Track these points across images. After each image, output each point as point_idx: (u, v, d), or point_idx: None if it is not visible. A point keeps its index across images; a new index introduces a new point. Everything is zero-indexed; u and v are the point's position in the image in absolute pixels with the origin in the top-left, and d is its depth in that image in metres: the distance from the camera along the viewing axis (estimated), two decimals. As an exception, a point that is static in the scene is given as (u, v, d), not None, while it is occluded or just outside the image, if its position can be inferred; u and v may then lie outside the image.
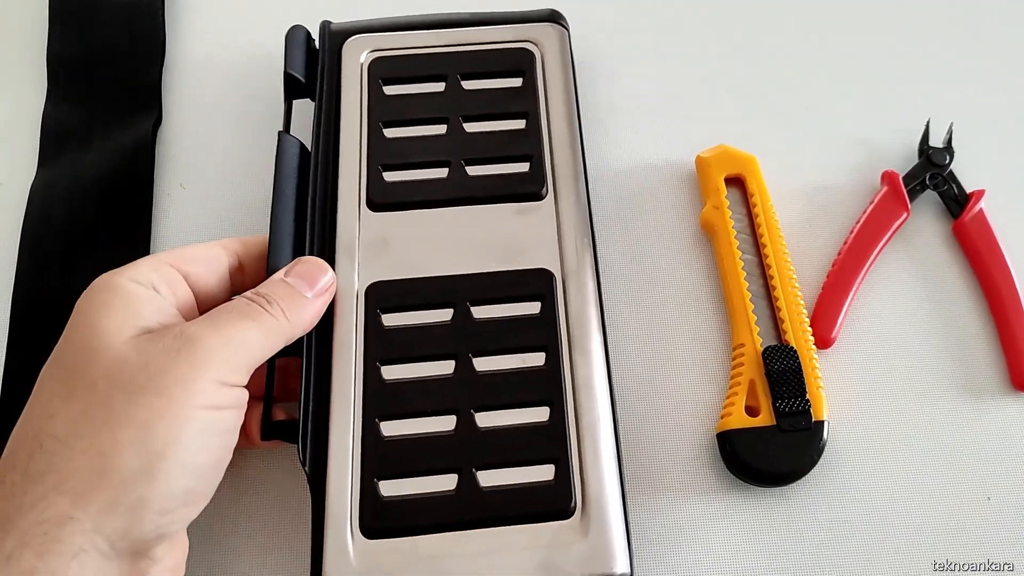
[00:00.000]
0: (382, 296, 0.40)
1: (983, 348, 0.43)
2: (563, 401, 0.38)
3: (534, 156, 0.44)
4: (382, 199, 0.42)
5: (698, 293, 0.44)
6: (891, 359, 0.43)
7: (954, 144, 0.47)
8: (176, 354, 0.31)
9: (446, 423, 0.37)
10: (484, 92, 0.46)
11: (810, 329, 0.42)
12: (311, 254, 0.40)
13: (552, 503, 0.36)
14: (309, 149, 0.44)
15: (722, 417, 0.40)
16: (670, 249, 0.46)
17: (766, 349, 0.41)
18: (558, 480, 0.36)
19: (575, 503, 0.36)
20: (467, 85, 0.46)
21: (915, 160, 0.47)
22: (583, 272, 0.41)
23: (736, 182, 0.46)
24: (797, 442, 0.39)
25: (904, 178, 0.46)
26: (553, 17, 0.48)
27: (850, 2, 0.53)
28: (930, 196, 0.46)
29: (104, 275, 0.34)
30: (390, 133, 0.45)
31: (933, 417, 0.41)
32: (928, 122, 0.47)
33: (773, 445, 0.39)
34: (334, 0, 0.51)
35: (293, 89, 0.46)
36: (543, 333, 0.39)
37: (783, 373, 0.40)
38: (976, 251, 0.44)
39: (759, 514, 0.40)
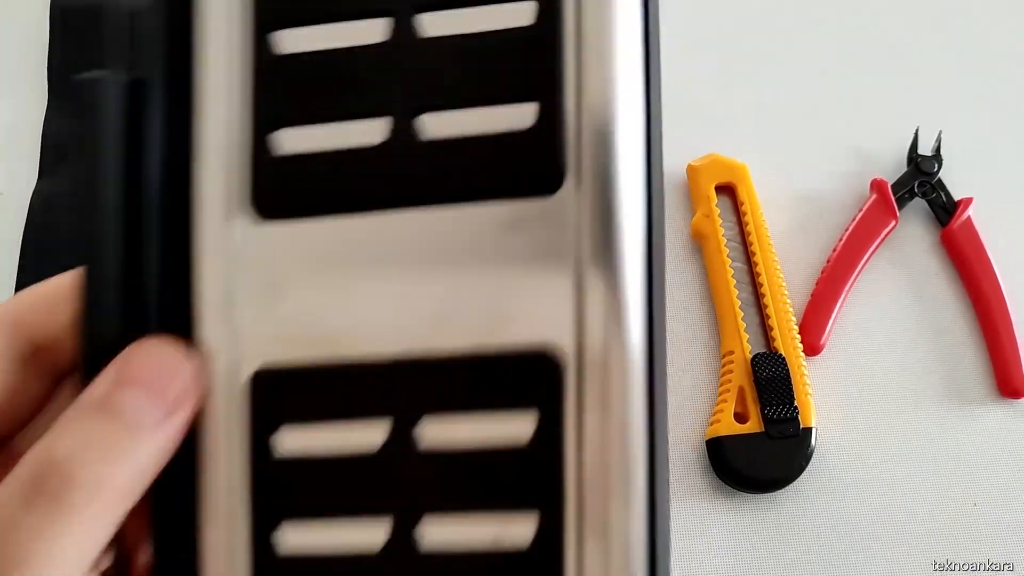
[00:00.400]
0: (278, 396, 0.23)
1: (970, 355, 0.43)
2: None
3: (545, 92, 0.22)
4: (279, 195, 0.23)
5: (688, 300, 0.45)
6: (879, 366, 0.43)
7: (942, 152, 0.47)
8: None
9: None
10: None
11: (799, 336, 0.42)
12: (151, 321, 0.23)
13: None
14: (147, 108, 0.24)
15: (711, 424, 0.41)
16: (661, 257, 0.46)
17: (755, 356, 0.41)
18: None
19: None
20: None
21: (904, 168, 0.47)
22: (622, 357, 0.22)
23: (726, 190, 0.46)
24: (785, 449, 0.40)
25: (892, 186, 0.46)
26: None
27: (840, 11, 0.53)
28: (918, 204, 0.47)
29: None
30: (287, 45, 0.24)
31: (921, 423, 0.42)
32: (917, 130, 0.48)
33: (762, 452, 0.40)
34: None
35: None
36: (533, 483, 0.22)
37: (772, 380, 0.40)
38: (964, 259, 0.45)
39: (748, 520, 0.40)
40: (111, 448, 0.21)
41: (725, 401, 0.41)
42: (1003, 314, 0.43)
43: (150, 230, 0.23)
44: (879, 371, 0.43)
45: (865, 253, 0.45)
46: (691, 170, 0.47)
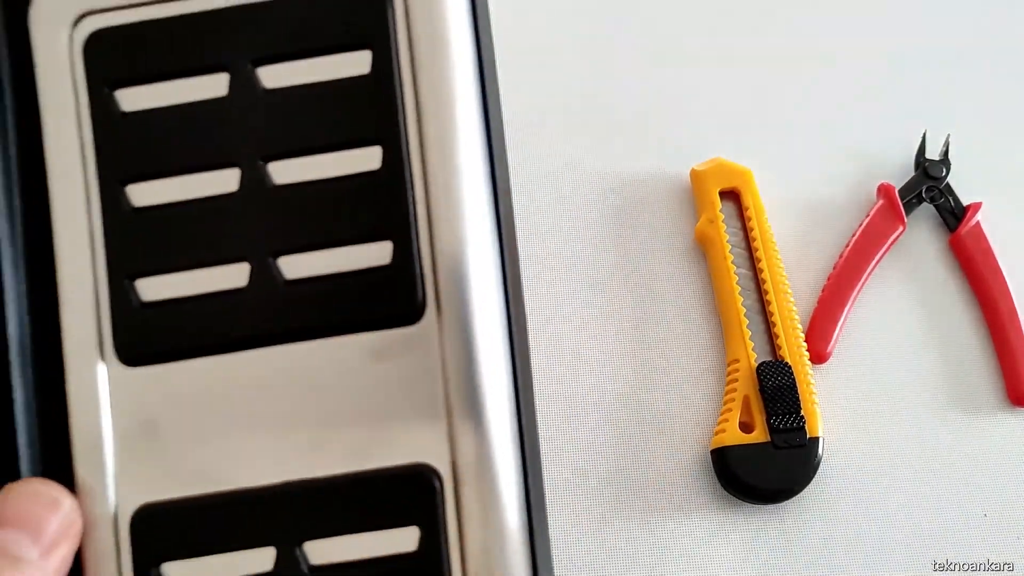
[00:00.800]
0: (160, 534, 0.23)
1: (980, 363, 0.43)
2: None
3: (397, 229, 0.24)
4: (141, 343, 0.24)
5: (692, 308, 0.44)
6: (887, 374, 0.42)
7: (951, 156, 0.47)
8: None
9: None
10: (300, 92, 0.24)
11: (805, 344, 0.41)
12: (24, 466, 0.24)
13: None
14: None
15: (716, 433, 0.40)
16: (664, 263, 0.45)
17: (760, 365, 0.40)
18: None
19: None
20: (268, 78, 0.24)
21: (911, 173, 0.47)
22: (491, 468, 0.23)
23: (731, 195, 0.46)
24: (792, 459, 0.39)
25: (900, 191, 0.46)
26: None
27: (846, 14, 0.53)
28: (926, 209, 0.46)
29: None
30: (138, 197, 0.24)
31: (929, 433, 0.41)
32: (924, 134, 0.47)
33: (768, 462, 0.39)
34: None
35: None
36: None
37: (778, 389, 0.40)
38: (973, 264, 0.44)
39: (753, 531, 0.39)
40: None
41: (730, 410, 0.40)
42: (1013, 321, 0.43)
43: (19, 376, 0.24)
44: (887, 379, 0.42)
45: (872, 259, 0.44)
46: (695, 175, 0.46)
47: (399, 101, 0.24)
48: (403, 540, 0.23)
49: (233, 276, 0.24)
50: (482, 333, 0.24)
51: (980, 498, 0.40)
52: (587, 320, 0.44)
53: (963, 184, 0.46)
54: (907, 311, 0.44)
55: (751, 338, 0.42)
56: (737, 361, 0.41)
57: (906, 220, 0.45)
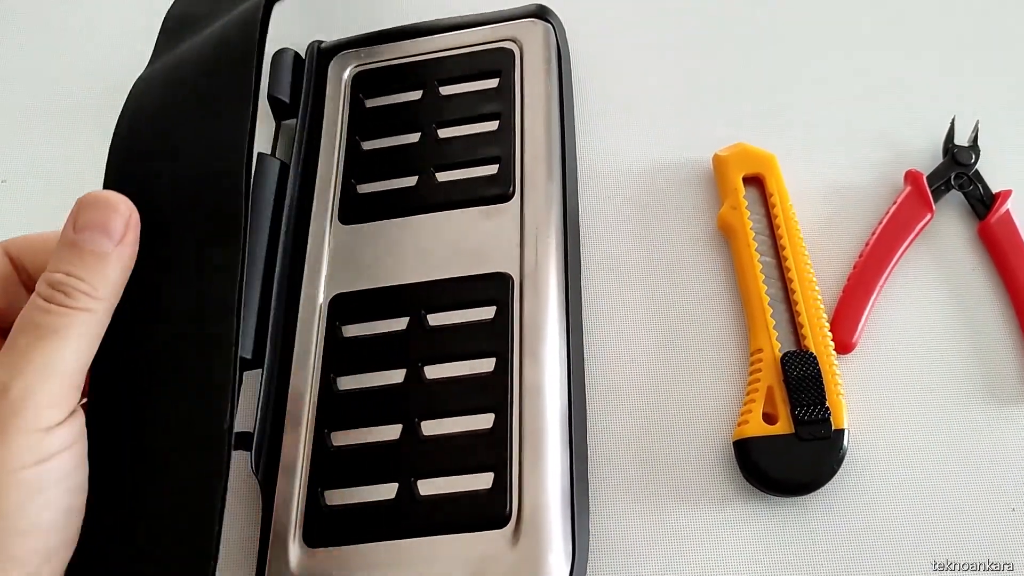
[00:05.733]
0: (343, 308, 0.40)
1: (1008, 353, 0.42)
2: (508, 408, 0.37)
3: (503, 158, 0.43)
4: (352, 211, 0.42)
5: (715, 296, 0.43)
6: (913, 365, 0.41)
7: (980, 143, 0.45)
8: None
9: (392, 432, 0.37)
10: (459, 96, 0.45)
11: (830, 334, 0.40)
12: (282, 272, 0.40)
13: (487, 511, 0.35)
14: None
15: (739, 425, 0.39)
16: (686, 250, 0.45)
17: (785, 355, 0.40)
18: (495, 488, 0.35)
19: (510, 511, 0.35)
20: (444, 90, 0.45)
21: (939, 159, 0.46)
22: (544, 274, 0.40)
23: (754, 181, 0.45)
24: (816, 451, 0.38)
25: (928, 178, 0.44)
26: (539, 13, 0.47)
27: (873, -5, 0.51)
28: (955, 196, 0.45)
29: None
30: (367, 145, 0.44)
31: (957, 425, 0.40)
32: (953, 120, 0.46)
33: (791, 454, 0.38)
34: (339, 21, 0.52)
35: (281, 111, 0.47)
36: (495, 339, 0.38)
37: (802, 380, 0.39)
38: (1002, 253, 0.43)
39: (776, 524, 0.39)
40: (87, 269, 0.29)
41: (754, 401, 0.39)
42: (1043, 311, 0.42)
43: (287, 233, 0.42)
44: (913, 370, 0.41)
45: (899, 247, 0.43)
46: (717, 160, 0.45)
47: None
48: (486, 312, 0.39)
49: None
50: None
51: (1009, 492, 0.39)
52: (607, 309, 0.44)
53: (993, 171, 0.45)
54: (934, 301, 0.43)
55: (775, 327, 0.41)
56: (760, 351, 0.40)
57: (934, 208, 0.44)
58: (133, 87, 0.39)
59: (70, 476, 0.29)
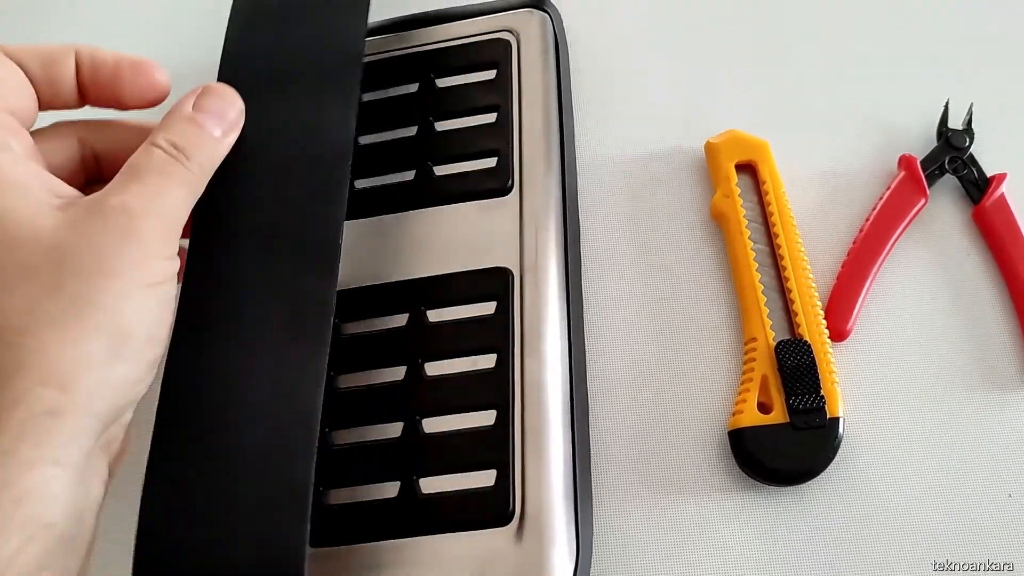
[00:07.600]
0: (341, 305, 0.38)
1: (1004, 339, 0.41)
2: (509, 404, 0.36)
3: (501, 151, 0.42)
4: (349, 207, 0.40)
5: (708, 285, 0.43)
6: (909, 352, 0.41)
7: (974, 126, 0.45)
8: (121, 235, 0.30)
9: (394, 430, 0.37)
10: (456, 89, 0.45)
11: (824, 322, 0.40)
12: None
13: (490, 509, 0.35)
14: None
15: (734, 414, 0.39)
16: (679, 239, 0.44)
17: (779, 343, 0.39)
18: (498, 485, 0.35)
19: (513, 509, 0.35)
20: (441, 83, 0.45)
21: (933, 143, 0.45)
22: (543, 268, 0.39)
23: (747, 168, 0.44)
24: (811, 440, 0.38)
25: (922, 162, 0.44)
26: (536, 3, 0.47)
27: (865, -22, 0.51)
28: (949, 181, 0.45)
29: None
30: (363, 140, 0.44)
31: (953, 412, 0.40)
32: (947, 103, 0.46)
33: (786, 443, 0.38)
34: None
35: None
36: (495, 334, 0.38)
37: (797, 368, 0.39)
38: (997, 237, 0.43)
39: (772, 514, 0.38)
40: (199, 140, 0.33)
41: (748, 390, 0.39)
42: (1038, 295, 0.41)
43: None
44: (909, 357, 0.41)
45: (894, 233, 0.43)
46: (709, 147, 0.45)
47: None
48: (486, 308, 0.39)
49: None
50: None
51: (1006, 478, 0.39)
52: (599, 298, 0.43)
53: (987, 155, 0.45)
54: (929, 286, 0.43)
55: (769, 316, 0.40)
56: (754, 340, 0.40)
57: (928, 192, 0.43)
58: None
59: (175, 299, 0.32)
